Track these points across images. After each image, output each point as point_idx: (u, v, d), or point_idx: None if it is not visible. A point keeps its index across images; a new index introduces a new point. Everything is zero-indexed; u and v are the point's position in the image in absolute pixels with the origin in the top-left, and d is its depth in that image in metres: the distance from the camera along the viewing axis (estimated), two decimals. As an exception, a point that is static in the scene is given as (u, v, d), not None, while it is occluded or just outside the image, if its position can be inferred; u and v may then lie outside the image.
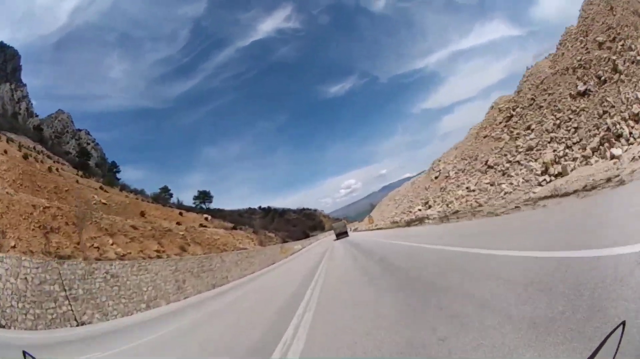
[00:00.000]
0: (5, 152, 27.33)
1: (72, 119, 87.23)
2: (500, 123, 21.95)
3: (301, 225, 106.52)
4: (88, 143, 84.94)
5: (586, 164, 11.22)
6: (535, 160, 14.73)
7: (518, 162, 16.41)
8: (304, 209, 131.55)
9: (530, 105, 18.52)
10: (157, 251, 23.79)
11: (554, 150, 13.71)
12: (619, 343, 1.07)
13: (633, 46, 12.38)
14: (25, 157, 30.06)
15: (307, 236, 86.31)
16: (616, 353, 1.06)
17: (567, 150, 13.00)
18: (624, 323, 1.13)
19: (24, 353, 1.46)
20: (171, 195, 56.49)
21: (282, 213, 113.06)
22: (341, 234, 46.00)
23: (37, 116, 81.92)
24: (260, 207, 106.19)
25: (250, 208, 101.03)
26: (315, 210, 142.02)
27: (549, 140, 14.94)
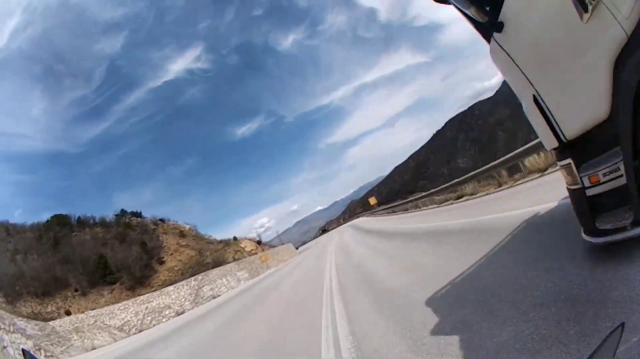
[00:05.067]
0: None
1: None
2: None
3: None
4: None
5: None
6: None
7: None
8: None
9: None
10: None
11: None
12: (618, 343, 1.01)
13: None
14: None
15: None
16: (615, 353, 0.99)
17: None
18: (622, 324, 1.09)
19: (24, 351, 1.39)
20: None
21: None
22: None
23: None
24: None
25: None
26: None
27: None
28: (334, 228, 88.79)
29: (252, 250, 47.64)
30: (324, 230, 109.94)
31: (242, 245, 49.18)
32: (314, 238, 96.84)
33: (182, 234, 46.92)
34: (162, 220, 49.44)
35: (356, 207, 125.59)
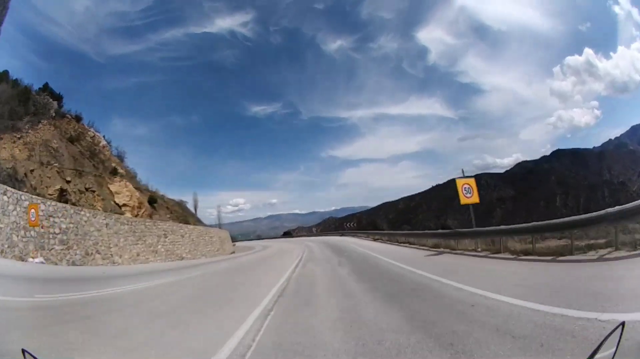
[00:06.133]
0: None
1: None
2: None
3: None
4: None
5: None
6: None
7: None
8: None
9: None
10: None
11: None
12: (618, 343, 1.05)
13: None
14: None
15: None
16: (615, 353, 1.03)
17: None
18: (623, 324, 1.12)
19: (23, 351, 1.34)
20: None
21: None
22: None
23: None
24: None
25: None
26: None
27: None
28: (302, 235, 77.39)
29: (130, 207, 25.49)
30: (287, 233, 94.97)
31: (114, 189, 25.54)
32: (273, 238, 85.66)
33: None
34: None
35: (332, 224, 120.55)
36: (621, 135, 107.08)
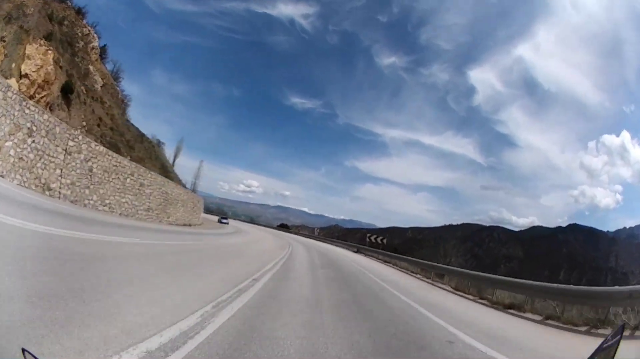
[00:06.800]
0: None
1: None
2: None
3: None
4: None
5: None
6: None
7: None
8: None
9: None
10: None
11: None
12: (618, 344, 1.04)
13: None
14: None
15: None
16: (615, 353, 1.03)
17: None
18: (623, 325, 1.23)
19: (23, 350, 1.33)
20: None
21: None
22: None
23: None
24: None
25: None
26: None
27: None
28: (301, 234, 66.26)
29: (30, 82, 17.59)
30: (283, 226, 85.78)
31: (29, 51, 17.95)
32: (265, 227, 77.04)
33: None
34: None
35: (336, 232, 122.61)
36: (635, 226, 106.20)
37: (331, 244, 42.55)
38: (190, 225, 28.14)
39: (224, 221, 49.22)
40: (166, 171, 31.89)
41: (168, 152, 40.64)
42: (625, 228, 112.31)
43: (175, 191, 25.68)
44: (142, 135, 32.96)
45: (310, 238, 54.55)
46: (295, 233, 64.74)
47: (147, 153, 30.22)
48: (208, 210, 65.48)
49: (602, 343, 1.05)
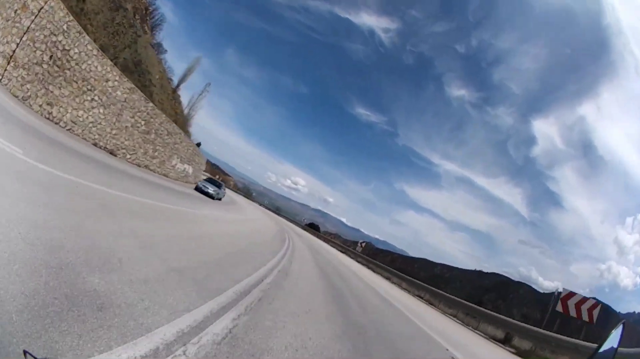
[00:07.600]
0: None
1: None
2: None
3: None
4: None
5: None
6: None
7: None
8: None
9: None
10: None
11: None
12: (619, 342, 1.03)
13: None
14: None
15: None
16: (615, 352, 1.02)
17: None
18: (624, 323, 1.09)
19: (25, 352, 1.28)
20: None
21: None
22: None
23: None
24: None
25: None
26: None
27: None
28: (333, 242, 49.49)
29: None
30: (312, 226, 74.17)
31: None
32: (292, 222, 63.61)
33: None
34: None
35: (371, 250, 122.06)
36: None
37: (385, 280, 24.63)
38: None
39: (208, 189, 21.57)
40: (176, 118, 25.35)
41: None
42: (634, 312, 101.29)
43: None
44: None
45: (346, 253, 38.57)
46: (325, 240, 50.02)
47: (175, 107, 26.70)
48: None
49: (602, 341, 0.99)
